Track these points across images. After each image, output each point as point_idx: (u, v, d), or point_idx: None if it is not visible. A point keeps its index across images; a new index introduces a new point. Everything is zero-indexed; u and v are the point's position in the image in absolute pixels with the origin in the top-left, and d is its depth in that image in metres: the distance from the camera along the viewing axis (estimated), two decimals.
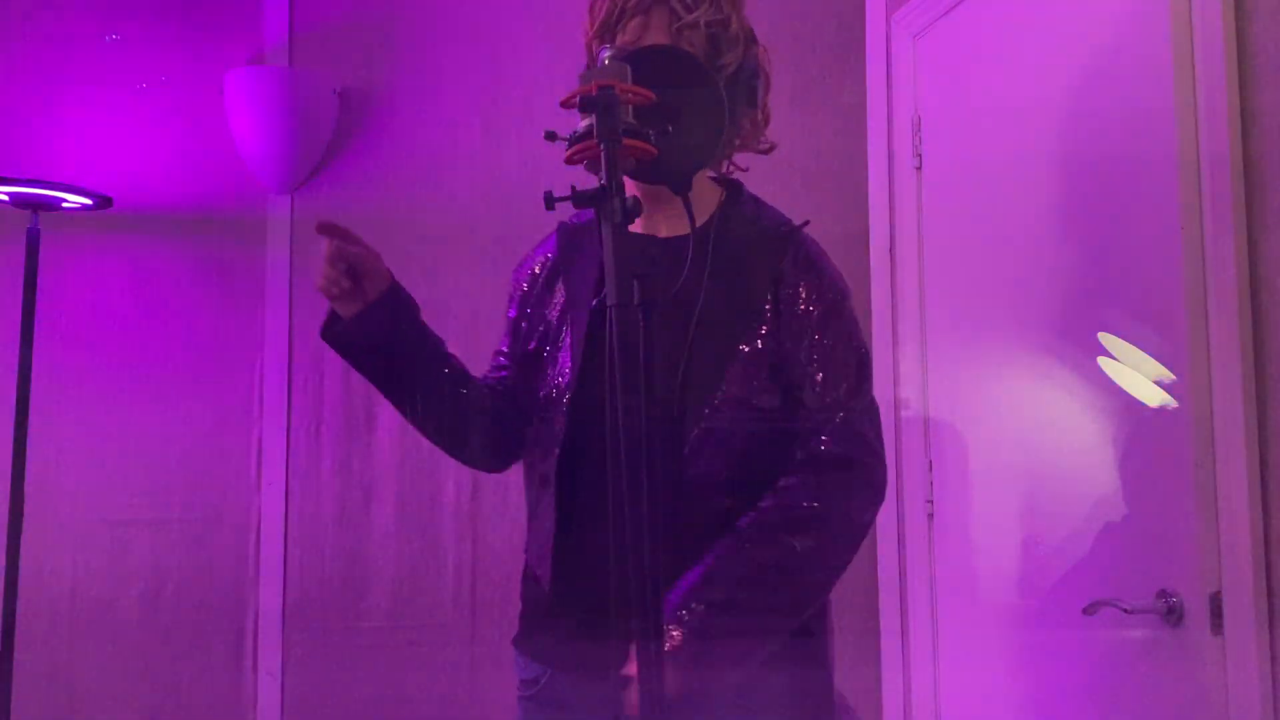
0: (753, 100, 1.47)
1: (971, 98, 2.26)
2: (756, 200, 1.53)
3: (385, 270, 1.39)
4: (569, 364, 1.43)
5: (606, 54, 1.27)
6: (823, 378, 1.40)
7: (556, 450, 1.42)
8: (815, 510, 1.34)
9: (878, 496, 1.41)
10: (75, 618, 2.55)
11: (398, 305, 1.41)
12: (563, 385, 1.43)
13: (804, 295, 1.42)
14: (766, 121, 1.53)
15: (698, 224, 1.36)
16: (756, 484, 1.37)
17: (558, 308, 1.50)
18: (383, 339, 1.40)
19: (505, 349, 1.60)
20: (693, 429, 1.35)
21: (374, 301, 1.38)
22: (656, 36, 1.39)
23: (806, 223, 1.48)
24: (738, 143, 1.50)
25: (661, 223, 1.47)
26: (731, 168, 1.55)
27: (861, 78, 2.64)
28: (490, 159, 2.71)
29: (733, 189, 1.53)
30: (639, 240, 1.43)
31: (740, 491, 1.37)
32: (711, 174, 1.53)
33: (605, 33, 1.42)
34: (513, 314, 1.58)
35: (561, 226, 1.58)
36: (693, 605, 1.28)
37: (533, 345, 1.51)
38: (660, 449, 1.01)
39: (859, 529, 1.39)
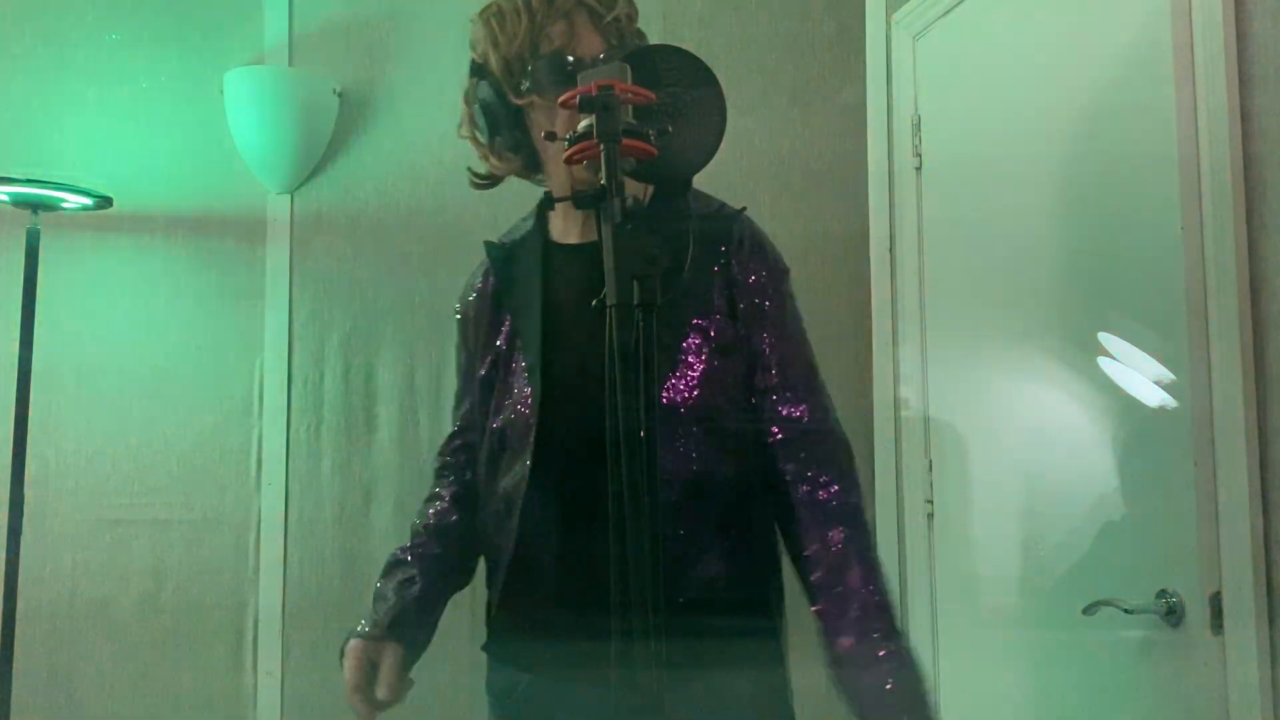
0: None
1: (971, 98, 2.26)
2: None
3: (398, 657, 1.45)
4: (528, 390, 1.41)
5: (542, 65, 1.34)
6: (781, 357, 1.41)
7: (526, 474, 1.39)
8: (842, 487, 1.36)
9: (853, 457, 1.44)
10: (75, 618, 2.55)
11: (415, 644, 1.49)
12: (525, 412, 1.41)
13: (754, 276, 1.42)
14: None
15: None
16: (720, 463, 1.36)
17: (504, 335, 1.48)
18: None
19: (463, 421, 1.57)
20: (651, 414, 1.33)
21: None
22: (588, 37, 1.39)
23: (744, 209, 1.48)
24: None
25: (577, 229, 1.47)
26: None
27: (861, 78, 2.64)
28: None
29: None
30: (639, 239, 1.43)
31: (705, 472, 1.35)
32: None
33: (528, 46, 1.39)
34: (464, 359, 1.56)
35: (490, 249, 1.55)
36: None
37: (483, 373, 1.50)
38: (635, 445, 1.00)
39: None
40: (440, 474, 1.60)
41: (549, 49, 1.39)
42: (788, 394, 1.40)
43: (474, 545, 1.54)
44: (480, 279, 1.56)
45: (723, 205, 1.49)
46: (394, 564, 1.52)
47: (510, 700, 1.48)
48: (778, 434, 1.38)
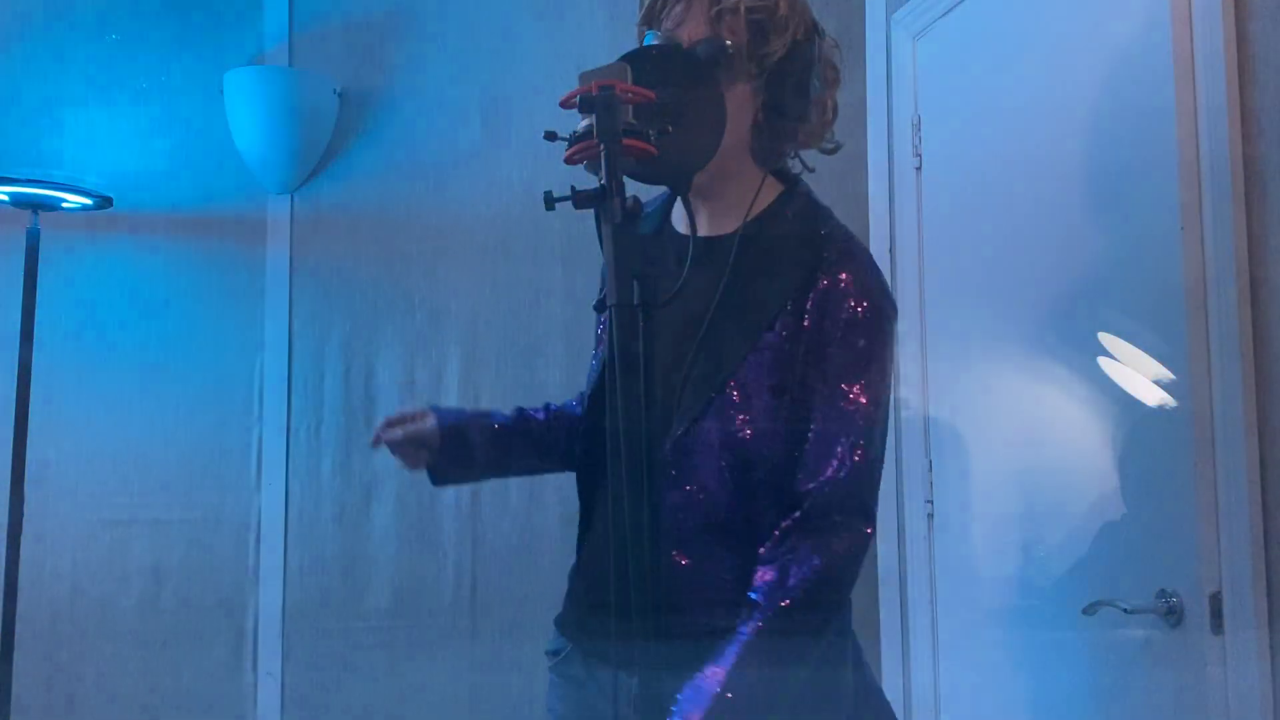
0: (801, 92, 1.38)
1: (971, 98, 2.26)
2: (810, 200, 1.45)
3: (432, 428, 1.53)
4: (595, 361, 1.50)
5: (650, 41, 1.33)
6: (829, 410, 1.31)
7: (579, 444, 1.51)
8: (808, 592, 1.28)
9: (857, 560, 1.34)
10: (75, 618, 2.55)
11: (454, 448, 1.54)
12: (589, 382, 1.51)
13: (833, 308, 1.33)
14: (834, 118, 1.46)
15: (743, 221, 1.36)
16: (749, 493, 1.33)
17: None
18: (463, 472, 1.64)
19: None
20: (680, 429, 1.33)
21: (437, 455, 1.54)
22: (695, 22, 1.36)
23: (850, 234, 1.41)
24: (800, 138, 1.43)
25: (705, 221, 1.42)
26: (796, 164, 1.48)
27: (861, 78, 2.64)
28: (490, 159, 2.71)
29: (790, 187, 1.45)
30: (649, 241, 1.44)
31: (732, 498, 1.33)
32: (766, 168, 1.44)
33: (651, 19, 1.41)
34: None
35: None
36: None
37: None
38: (656, 449, 1.02)
39: (842, 589, 1.35)
40: None
41: (666, 28, 1.38)
42: (831, 462, 1.30)
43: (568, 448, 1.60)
44: None
45: (832, 225, 1.40)
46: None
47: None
48: (794, 504, 1.31)
